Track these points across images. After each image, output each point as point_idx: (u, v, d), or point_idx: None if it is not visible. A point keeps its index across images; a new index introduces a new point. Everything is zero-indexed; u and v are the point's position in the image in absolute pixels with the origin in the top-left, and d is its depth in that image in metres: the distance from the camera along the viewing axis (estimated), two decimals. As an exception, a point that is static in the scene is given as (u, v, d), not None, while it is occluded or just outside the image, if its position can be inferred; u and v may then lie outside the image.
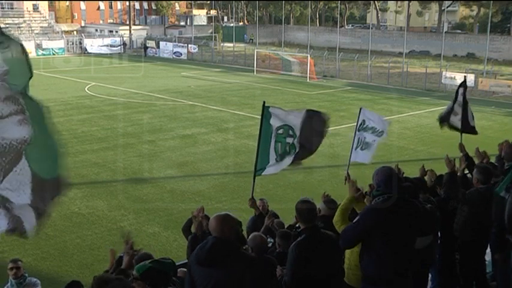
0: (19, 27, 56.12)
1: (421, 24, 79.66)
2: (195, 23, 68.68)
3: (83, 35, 57.98)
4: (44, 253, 11.44)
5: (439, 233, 6.52)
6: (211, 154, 19.41)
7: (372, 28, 57.93)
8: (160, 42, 55.63)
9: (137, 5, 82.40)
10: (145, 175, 17.04)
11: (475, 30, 69.93)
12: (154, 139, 21.22)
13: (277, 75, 41.45)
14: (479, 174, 6.35)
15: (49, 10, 68.29)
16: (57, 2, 74.40)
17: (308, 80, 39.25)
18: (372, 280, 4.62)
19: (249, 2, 78.86)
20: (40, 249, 11.48)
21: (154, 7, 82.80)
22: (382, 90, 35.52)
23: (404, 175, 6.93)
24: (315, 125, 7.08)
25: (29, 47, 48.84)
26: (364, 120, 8.44)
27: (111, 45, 56.24)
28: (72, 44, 55.30)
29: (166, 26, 74.41)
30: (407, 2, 60.82)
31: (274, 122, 6.88)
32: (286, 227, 6.51)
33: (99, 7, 79.87)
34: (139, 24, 71.75)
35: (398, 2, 79.26)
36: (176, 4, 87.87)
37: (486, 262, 6.86)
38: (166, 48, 54.42)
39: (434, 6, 74.98)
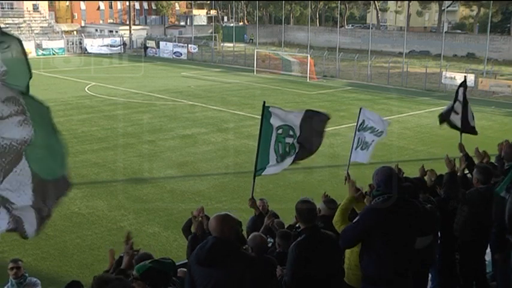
0: (19, 27, 56.12)
1: (421, 24, 79.66)
2: (195, 23, 68.69)
3: (83, 35, 57.98)
4: (44, 253, 11.44)
5: (439, 233, 6.52)
6: (211, 154, 19.42)
7: (372, 28, 57.94)
8: (160, 42, 55.63)
9: (137, 5, 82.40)
10: (145, 175, 17.05)
11: (475, 30, 69.93)
12: (154, 139, 21.22)
13: (277, 75, 41.45)
14: (479, 174, 6.35)
15: (49, 10, 68.28)
16: (57, 2, 74.41)
17: (308, 80, 39.25)
18: (372, 280, 4.62)
19: (249, 2, 78.85)
20: (40, 249, 11.48)
21: (154, 7, 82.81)
22: (382, 90, 35.52)
23: (404, 175, 6.94)
24: (314, 125, 7.09)
25: (29, 47, 48.87)
26: (364, 120, 8.46)
27: (111, 45, 56.24)
28: (72, 44, 55.31)
29: (166, 26, 74.41)
30: (407, 2, 60.82)
31: (274, 122, 6.88)
32: (286, 227, 6.51)
33: (99, 7, 79.88)
34: (139, 24, 71.74)
35: (398, 2, 79.27)
36: (176, 4, 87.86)
37: (486, 262, 6.86)
38: (166, 48, 54.42)
39: (434, 6, 74.98)
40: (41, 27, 59.47)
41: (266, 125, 6.88)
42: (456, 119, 8.85)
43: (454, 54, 55.37)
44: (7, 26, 52.29)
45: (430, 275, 6.76)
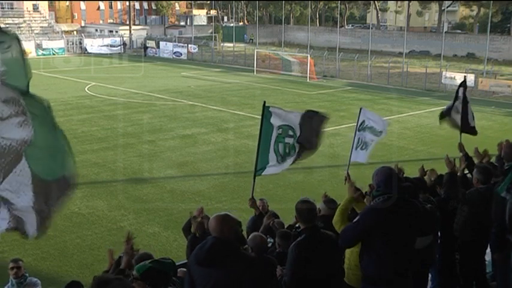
0: (19, 27, 56.10)
1: (421, 24, 79.66)
2: (195, 23, 68.68)
3: (83, 35, 57.98)
4: (44, 253, 11.44)
5: (439, 233, 6.52)
6: (211, 154, 19.42)
7: (372, 28, 57.94)
8: (160, 42, 55.63)
9: (137, 5, 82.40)
10: (145, 175, 17.05)
11: (475, 30, 69.93)
12: (154, 139, 21.22)
13: (277, 75, 41.45)
14: (479, 174, 6.35)
15: (49, 10, 68.28)
16: (57, 2, 74.41)
17: (308, 80, 39.25)
18: (372, 280, 4.62)
19: (249, 2, 78.86)
20: (40, 249, 11.48)
21: (154, 7, 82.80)
22: (382, 90, 35.52)
23: (404, 175, 6.94)
24: (314, 124, 7.12)
25: (29, 47, 48.89)
26: (364, 120, 8.46)
27: (111, 45, 56.24)
28: (72, 44, 55.31)
29: (166, 26, 74.41)
30: (407, 2, 60.82)
31: (275, 122, 6.89)
32: (286, 227, 6.51)
33: (99, 7, 79.88)
34: (139, 24, 71.75)
35: (398, 2, 79.26)
36: (176, 4, 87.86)
37: (486, 262, 6.86)
38: (166, 48, 54.42)
39: (434, 6, 74.98)
40: (41, 27, 59.48)
41: (266, 124, 6.89)
42: (457, 117, 8.86)
43: (454, 54, 55.37)
44: (7, 26, 52.22)
45: (430, 275, 6.76)
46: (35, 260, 11.07)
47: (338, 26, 54.08)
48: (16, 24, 56.83)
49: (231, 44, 55.36)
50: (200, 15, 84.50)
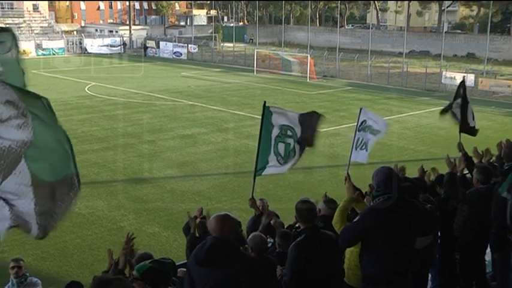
0: (19, 27, 56.08)
1: (421, 24, 79.66)
2: (195, 23, 68.68)
3: (83, 35, 57.98)
4: (44, 253, 11.44)
5: (439, 233, 6.52)
6: (211, 154, 19.42)
7: (372, 28, 57.94)
8: (160, 42, 55.63)
9: (137, 5, 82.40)
10: (145, 175, 17.05)
11: (475, 30, 69.93)
12: (154, 139, 21.22)
13: (277, 75, 41.45)
14: (479, 174, 6.35)
15: (49, 10, 68.28)
16: (57, 2, 74.41)
17: (308, 80, 39.25)
18: (372, 280, 4.62)
19: (249, 2, 78.85)
20: (40, 249, 11.48)
21: (154, 7, 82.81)
22: (382, 90, 35.52)
23: (405, 175, 6.94)
24: (313, 122, 7.17)
25: (29, 47, 48.93)
26: (364, 120, 8.46)
27: (111, 45, 56.24)
28: (72, 44, 55.30)
29: (166, 26, 74.42)
30: (407, 2, 60.82)
31: (275, 122, 6.91)
32: (286, 227, 6.50)
33: (99, 7, 79.88)
34: (139, 24, 71.76)
35: (398, 2, 79.26)
36: (176, 4, 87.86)
37: (486, 262, 6.86)
38: (166, 48, 54.42)
39: (434, 6, 74.98)
40: (41, 27, 59.48)
41: (266, 124, 6.90)
42: (457, 112, 8.91)
43: (454, 54, 55.38)
44: (7, 26, 52.22)
45: (430, 275, 6.76)
46: (35, 260, 11.07)
47: (338, 26, 54.08)
48: (16, 24, 56.80)
49: (231, 44, 55.36)
50: (200, 15, 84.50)
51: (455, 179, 6.59)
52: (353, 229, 4.61)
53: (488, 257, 6.83)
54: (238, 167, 17.74)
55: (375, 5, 74.39)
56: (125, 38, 59.06)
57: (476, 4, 66.09)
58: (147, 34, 62.42)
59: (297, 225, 6.09)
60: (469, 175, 7.23)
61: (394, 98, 32.03)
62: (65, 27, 64.55)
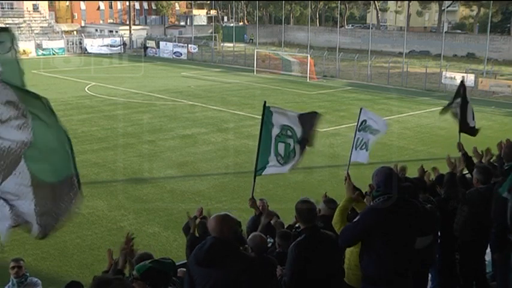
0: (19, 27, 56.09)
1: (421, 24, 79.65)
2: (195, 23, 68.68)
3: (83, 35, 57.98)
4: (44, 253, 11.44)
5: (439, 233, 6.52)
6: (211, 154, 19.42)
7: (372, 28, 57.94)
8: (160, 42, 55.63)
9: (137, 5, 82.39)
10: (145, 175, 17.05)
11: (475, 30, 69.93)
12: (154, 139, 21.22)
13: (277, 75, 41.45)
14: (479, 174, 6.35)
15: (49, 10, 68.28)
16: (57, 2, 74.41)
17: (308, 80, 39.25)
18: (372, 280, 4.62)
19: (249, 2, 78.85)
20: (40, 249, 11.48)
21: (154, 7, 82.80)
22: (382, 90, 35.52)
23: (405, 174, 6.94)
24: (313, 121, 7.19)
25: (29, 47, 48.92)
26: (364, 120, 8.46)
27: (111, 45, 56.23)
28: (72, 44, 55.30)
29: (166, 26, 74.41)
30: (407, 2, 60.82)
31: (275, 122, 6.91)
32: (286, 227, 6.50)
33: (99, 7, 79.88)
34: (139, 24, 71.75)
35: (398, 2, 79.26)
36: (176, 4, 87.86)
37: (486, 262, 6.85)
38: (166, 48, 54.42)
39: (434, 6, 74.97)
40: (41, 27, 59.47)
41: (266, 124, 6.90)
42: (458, 110, 8.91)
43: (454, 54, 55.37)
44: (7, 26, 52.23)
45: (430, 275, 6.75)
46: (35, 260, 11.07)
47: (338, 26, 54.08)
48: (16, 24, 56.80)
49: (231, 44, 55.36)
50: (200, 15, 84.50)
51: (455, 179, 6.59)
52: (353, 229, 4.61)
53: (488, 257, 6.83)
54: (238, 167, 17.74)
55: (375, 5, 74.39)
56: (124, 38, 59.06)
57: (476, 4, 66.09)
58: (147, 34, 62.42)
59: (297, 225, 6.09)
60: (469, 175, 7.23)
61: (394, 98, 32.03)
62: (65, 27, 64.55)
